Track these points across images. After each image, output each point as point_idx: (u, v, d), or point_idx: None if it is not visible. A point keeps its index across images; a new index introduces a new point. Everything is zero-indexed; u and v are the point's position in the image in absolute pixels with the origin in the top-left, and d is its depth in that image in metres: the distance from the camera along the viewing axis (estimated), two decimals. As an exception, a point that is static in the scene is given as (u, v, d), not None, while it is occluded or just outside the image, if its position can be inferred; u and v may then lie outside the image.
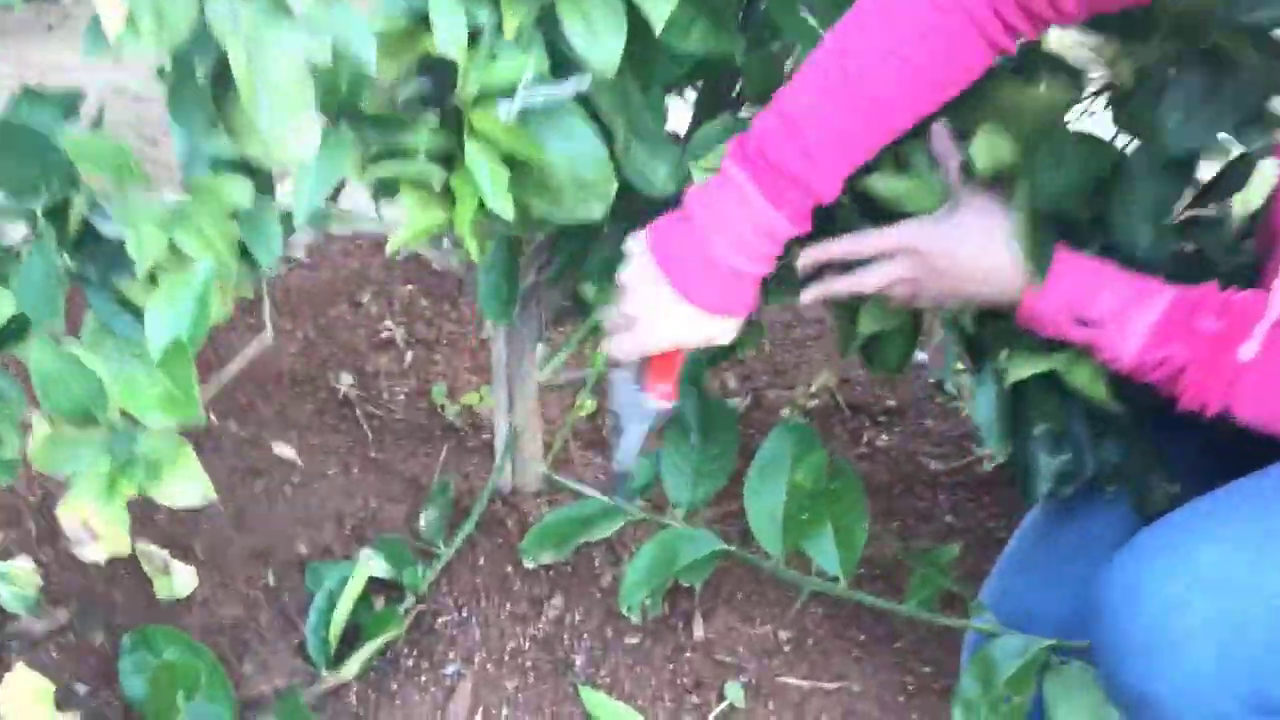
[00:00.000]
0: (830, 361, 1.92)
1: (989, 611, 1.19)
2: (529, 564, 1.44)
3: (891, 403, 1.86)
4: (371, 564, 1.41)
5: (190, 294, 0.99)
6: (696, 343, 1.06)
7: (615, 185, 0.98)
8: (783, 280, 1.11)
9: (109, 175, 1.04)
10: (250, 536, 1.54)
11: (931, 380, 1.89)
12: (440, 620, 1.42)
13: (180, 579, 1.46)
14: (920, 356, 1.89)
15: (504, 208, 0.95)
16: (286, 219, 1.08)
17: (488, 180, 0.94)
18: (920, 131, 1.07)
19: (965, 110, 1.04)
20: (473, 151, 0.96)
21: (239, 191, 1.07)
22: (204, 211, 1.06)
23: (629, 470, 1.21)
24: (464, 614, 1.43)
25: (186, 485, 0.94)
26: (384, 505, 1.59)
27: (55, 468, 0.95)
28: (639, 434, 1.17)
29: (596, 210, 1.00)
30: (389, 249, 1.08)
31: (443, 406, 1.79)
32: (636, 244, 1.04)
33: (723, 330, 1.05)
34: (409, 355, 1.95)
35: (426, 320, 2.05)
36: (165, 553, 1.49)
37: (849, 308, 1.26)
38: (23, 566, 1.46)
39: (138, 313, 1.02)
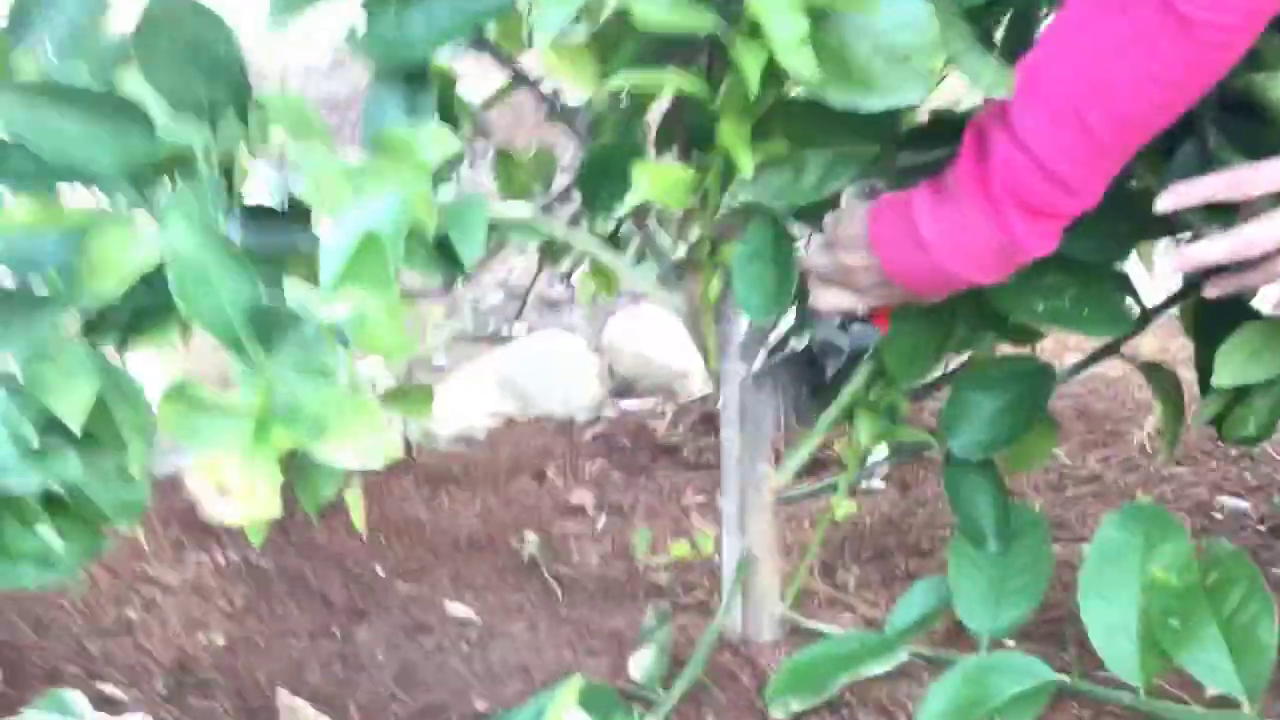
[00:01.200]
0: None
1: None
2: (777, 713, 1.08)
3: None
4: (573, 713, 1.07)
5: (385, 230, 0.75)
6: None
7: (941, 57, 0.73)
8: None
9: (290, 130, 0.84)
10: (417, 694, 1.22)
11: None
12: (662, 788, 1.05)
13: (328, 737, 1.15)
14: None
15: (803, 63, 0.71)
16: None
17: (786, 27, 0.69)
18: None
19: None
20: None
21: (439, 143, 0.85)
22: (396, 169, 0.85)
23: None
24: (692, 780, 1.06)
25: (363, 443, 0.66)
26: (582, 659, 1.26)
27: (190, 435, 0.69)
28: (837, 364, 1.08)
29: (914, 92, 0.75)
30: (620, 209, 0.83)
31: (645, 563, 1.48)
32: (858, 205, 0.94)
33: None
34: (601, 520, 1.66)
35: (619, 489, 1.77)
36: (314, 710, 1.18)
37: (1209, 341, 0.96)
38: (139, 724, 1.17)
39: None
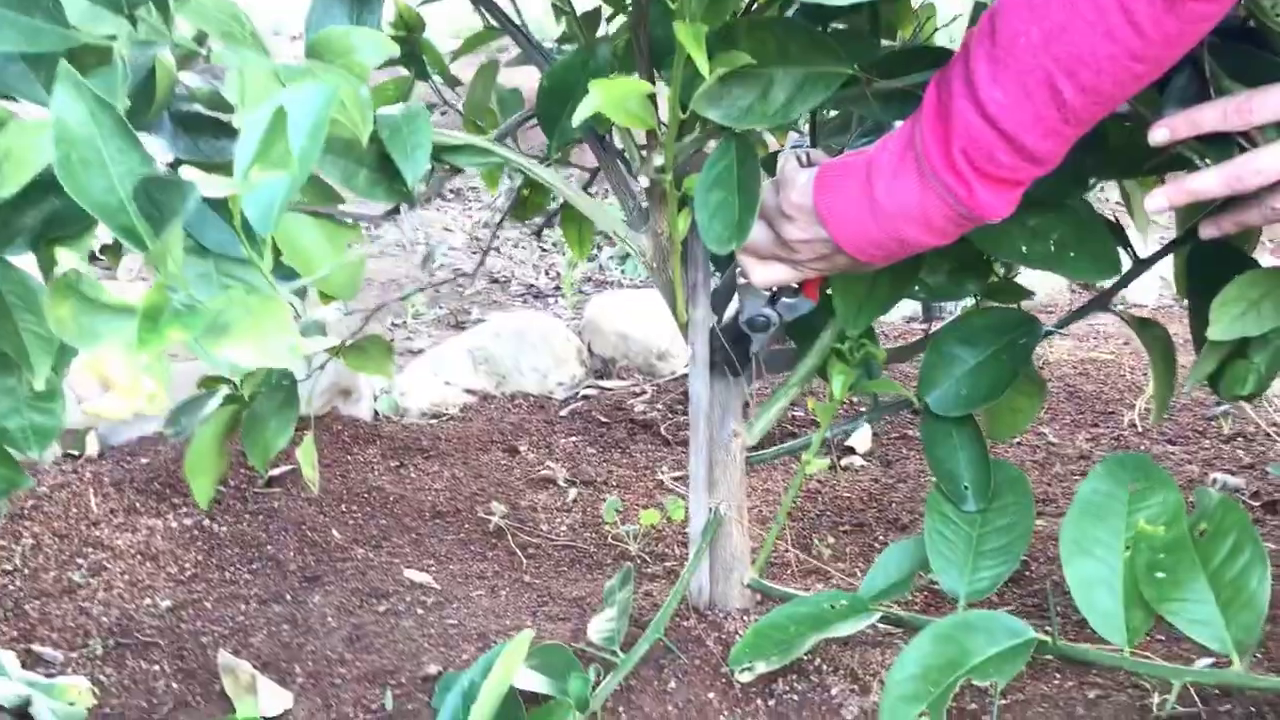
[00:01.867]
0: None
1: None
2: (741, 677, 1.02)
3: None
4: (524, 673, 1.02)
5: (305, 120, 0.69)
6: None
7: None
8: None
9: (219, 32, 0.79)
10: (366, 657, 1.16)
11: None
12: (617, 753, 0.99)
13: (268, 699, 1.08)
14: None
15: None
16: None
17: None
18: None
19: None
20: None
21: (375, 45, 0.80)
22: (329, 69, 0.79)
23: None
24: (650, 745, 1.00)
25: (267, 342, 0.60)
26: (542, 624, 1.20)
27: (81, 336, 0.63)
28: (765, 339, 1.04)
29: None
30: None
31: (614, 530, 1.42)
32: (798, 174, 0.88)
33: None
34: (572, 492, 1.60)
35: (593, 463, 1.71)
36: (255, 670, 1.12)
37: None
38: (75, 683, 1.11)
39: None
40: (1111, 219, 1.06)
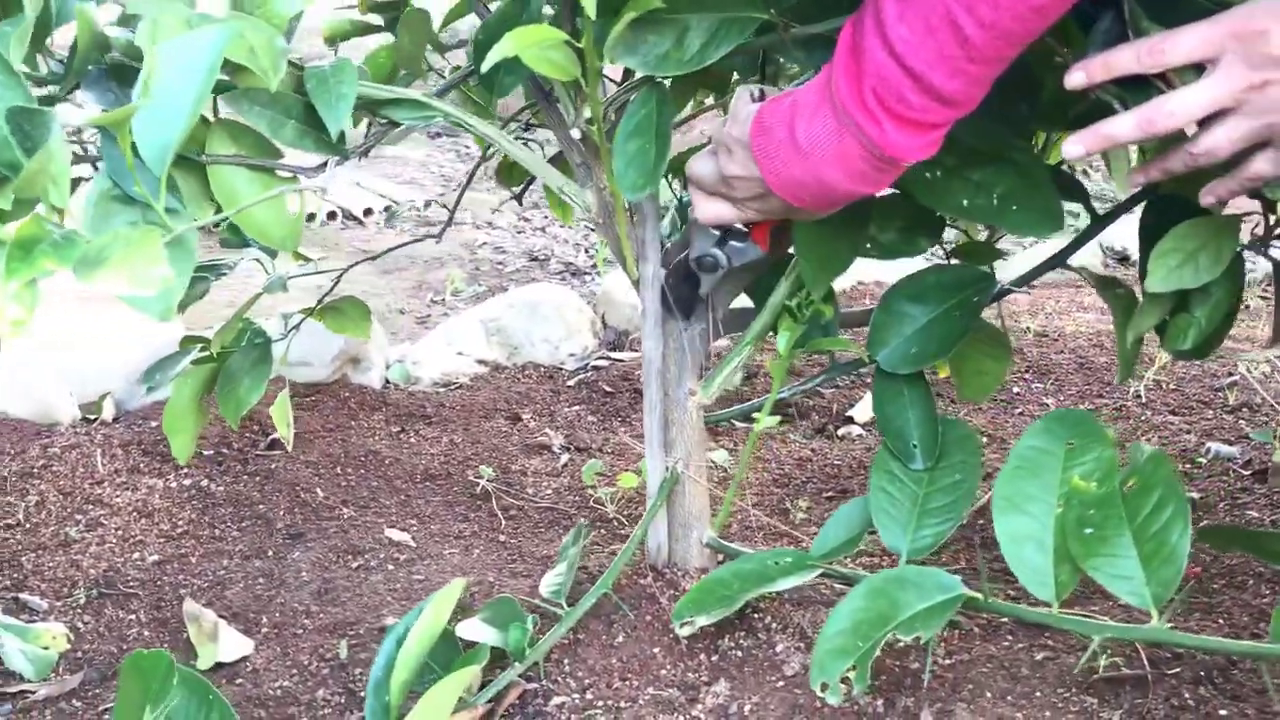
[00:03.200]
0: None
1: None
2: (682, 631, 1.02)
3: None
4: (473, 624, 1.03)
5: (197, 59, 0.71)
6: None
7: None
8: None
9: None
10: (331, 610, 1.19)
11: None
12: (555, 703, 1.00)
13: (228, 646, 1.11)
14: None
15: None
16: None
17: None
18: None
19: None
20: None
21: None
22: (242, 17, 0.81)
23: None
24: (587, 696, 1.01)
25: (139, 273, 0.62)
26: (504, 580, 1.22)
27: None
28: (713, 280, 1.03)
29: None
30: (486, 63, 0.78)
31: (594, 491, 1.43)
32: (744, 108, 0.88)
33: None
34: (564, 458, 1.61)
35: (591, 431, 1.72)
36: (219, 619, 1.15)
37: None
38: (52, 629, 1.15)
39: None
40: (1077, 176, 1.04)
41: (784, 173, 0.85)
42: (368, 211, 3.37)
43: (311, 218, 3.30)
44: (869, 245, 1.06)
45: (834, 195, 0.86)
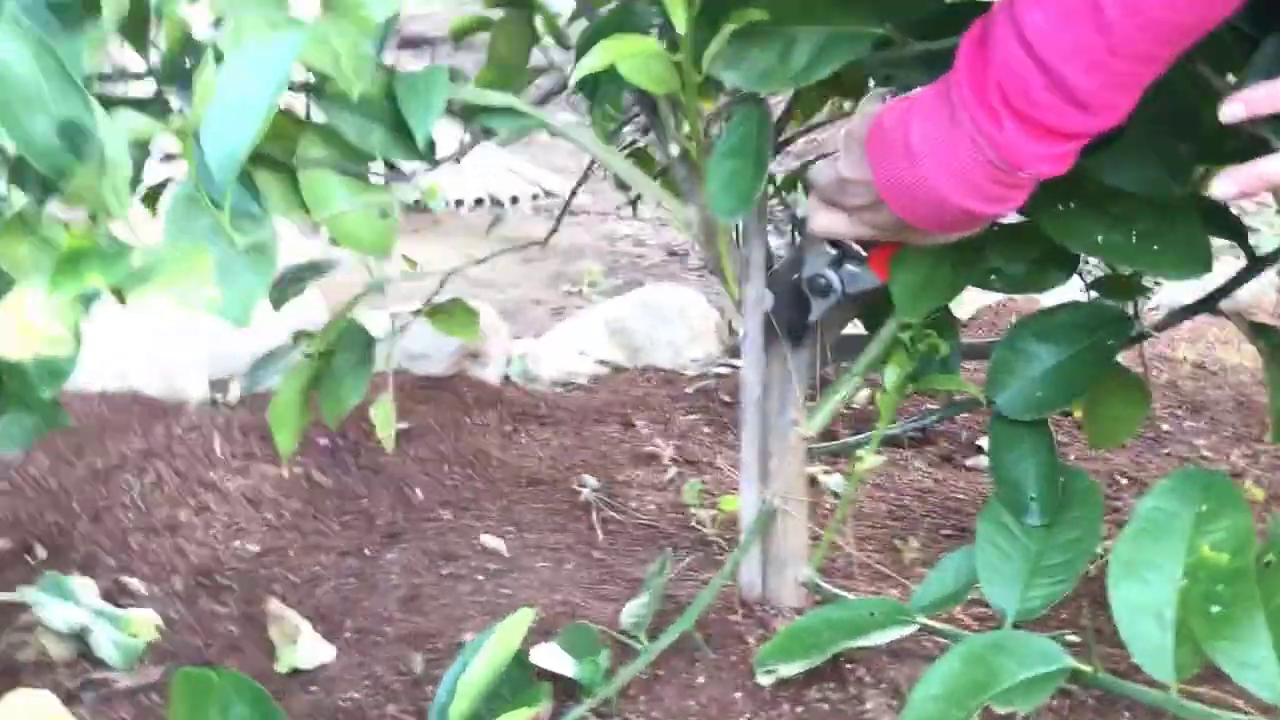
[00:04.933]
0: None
1: None
2: (763, 680, 0.97)
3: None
4: (551, 651, 1.00)
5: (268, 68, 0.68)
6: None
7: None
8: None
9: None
10: (414, 619, 1.17)
11: None
12: (625, 742, 0.96)
13: (308, 651, 1.11)
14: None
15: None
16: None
17: None
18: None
19: None
20: None
21: (382, 2, 0.78)
22: (331, 20, 0.78)
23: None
24: (660, 738, 0.96)
25: (188, 291, 0.59)
26: (590, 602, 1.18)
27: (9, 262, 0.64)
28: (825, 306, 0.98)
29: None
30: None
31: (694, 512, 1.38)
32: (870, 105, 0.83)
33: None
34: (672, 470, 1.57)
35: (704, 444, 1.67)
36: (302, 621, 1.14)
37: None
38: (145, 616, 1.17)
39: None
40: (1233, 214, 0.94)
41: (894, 179, 0.79)
42: (514, 199, 3.38)
43: (460, 204, 3.33)
44: (993, 277, 0.98)
45: (944, 211, 0.78)
